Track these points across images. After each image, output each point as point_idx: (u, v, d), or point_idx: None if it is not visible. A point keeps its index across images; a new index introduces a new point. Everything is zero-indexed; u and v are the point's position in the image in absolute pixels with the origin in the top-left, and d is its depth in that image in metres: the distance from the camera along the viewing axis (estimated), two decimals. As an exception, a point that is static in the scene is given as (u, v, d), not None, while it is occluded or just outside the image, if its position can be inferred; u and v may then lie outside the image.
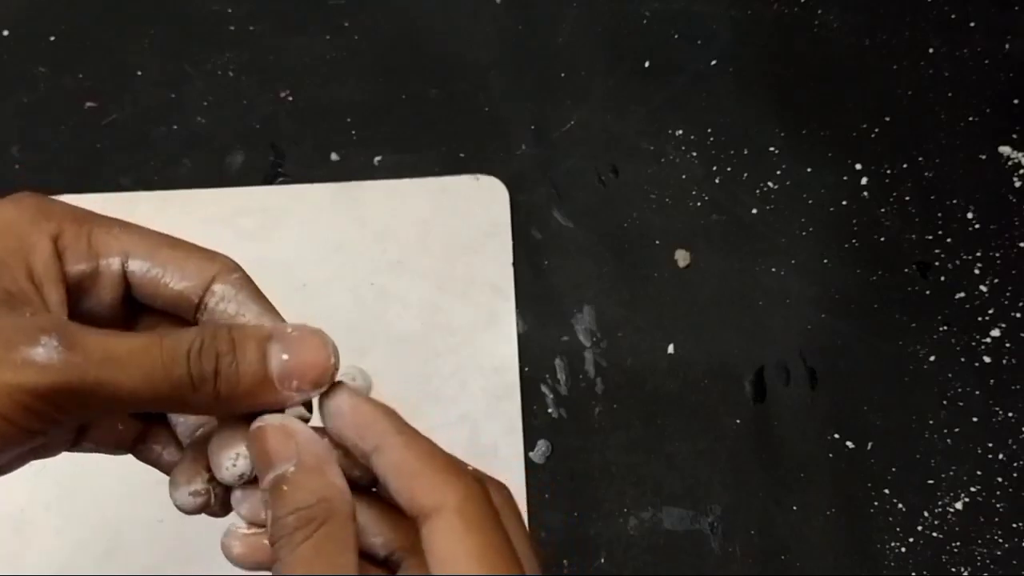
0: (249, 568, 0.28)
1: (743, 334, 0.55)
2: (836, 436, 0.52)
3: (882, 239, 0.57)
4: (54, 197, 0.57)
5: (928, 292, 0.56)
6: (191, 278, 0.28)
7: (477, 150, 0.59)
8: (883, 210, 0.57)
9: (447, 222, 0.56)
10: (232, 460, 0.28)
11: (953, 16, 0.63)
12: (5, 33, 0.62)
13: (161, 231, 0.30)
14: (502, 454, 0.51)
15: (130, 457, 0.32)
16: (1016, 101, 0.60)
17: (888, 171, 0.58)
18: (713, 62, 0.62)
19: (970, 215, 0.57)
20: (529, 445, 0.52)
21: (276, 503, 0.26)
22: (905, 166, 0.59)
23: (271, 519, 0.26)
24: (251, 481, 0.28)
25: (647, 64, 0.62)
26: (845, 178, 0.58)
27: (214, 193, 0.57)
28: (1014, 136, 0.59)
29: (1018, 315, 0.55)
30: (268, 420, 0.28)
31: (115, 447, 0.31)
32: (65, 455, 0.51)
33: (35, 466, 0.51)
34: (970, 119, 0.60)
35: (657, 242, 0.57)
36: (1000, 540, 0.50)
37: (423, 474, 0.26)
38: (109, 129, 0.59)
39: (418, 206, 0.57)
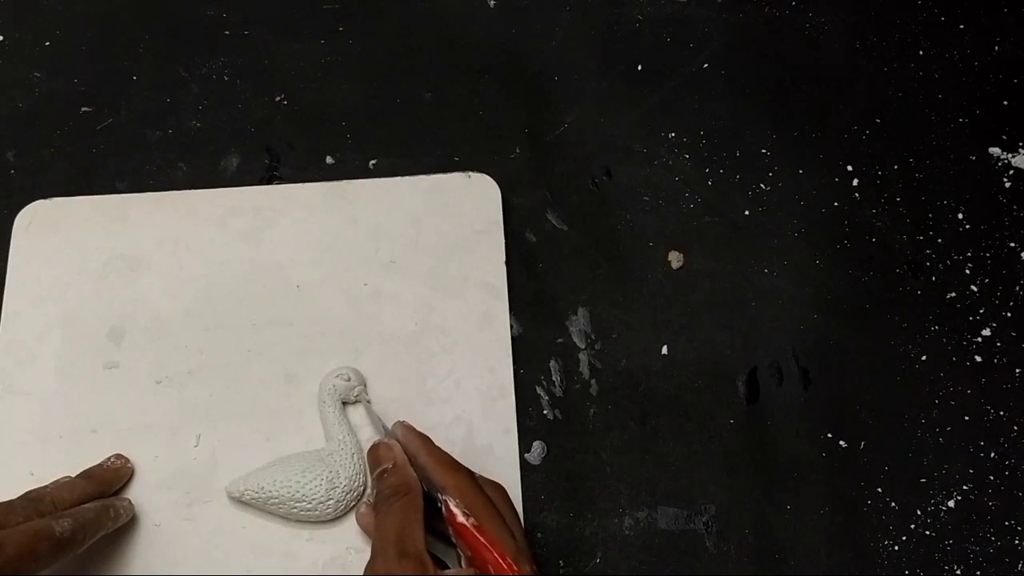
0: (364, 526, 0.49)
1: (736, 335, 0.55)
2: (829, 435, 0.53)
3: (873, 240, 0.57)
4: (51, 199, 0.57)
5: (919, 292, 0.56)
6: None
7: (471, 153, 0.59)
8: (874, 211, 0.58)
9: (440, 221, 0.56)
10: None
11: (943, 18, 0.63)
12: (0, 38, 0.63)
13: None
14: (498, 455, 0.51)
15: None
16: (1006, 102, 0.61)
17: (879, 172, 0.59)
18: (705, 65, 0.62)
19: (961, 215, 0.58)
20: (525, 446, 0.52)
21: (380, 484, 0.46)
22: (896, 167, 0.59)
23: (376, 494, 0.47)
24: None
25: (639, 67, 0.62)
26: (836, 179, 0.59)
27: (206, 194, 0.57)
28: (1004, 137, 0.60)
29: (1009, 314, 0.55)
30: (378, 440, 0.49)
31: None
32: (59, 462, 0.51)
33: (35, 472, 0.52)
34: (960, 120, 0.60)
35: (650, 244, 0.57)
36: (992, 538, 0.51)
37: (436, 470, 0.46)
38: (105, 133, 0.60)
39: (410, 205, 0.57)
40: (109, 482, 0.49)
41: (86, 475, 0.49)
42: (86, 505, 0.46)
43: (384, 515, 0.45)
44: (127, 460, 0.50)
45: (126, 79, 0.61)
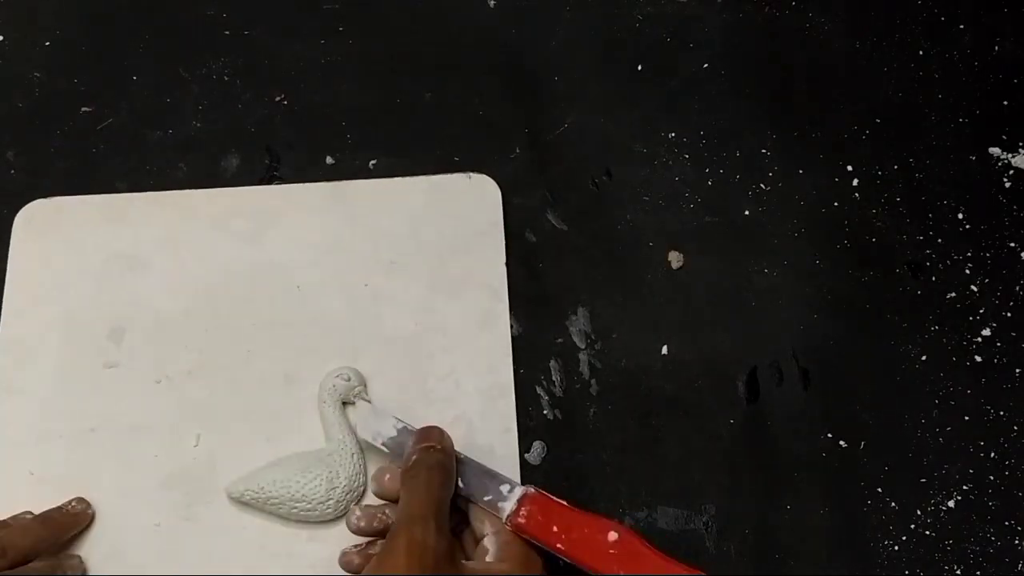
0: (365, 532, 0.47)
1: (736, 335, 0.55)
2: (829, 435, 0.53)
3: (873, 240, 0.57)
4: (51, 199, 0.57)
5: (919, 292, 0.56)
6: None
7: (471, 153, 0.59)
8: (874, 211, 0.58)
9: (440, 221, 0.56)
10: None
11: (943, 18, 0.63)
12: (0, 38, 0.63)
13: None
14: (498, 454, 0.51)
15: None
16: (1006, 102, 0.61)
17: (879, 172, 0.59)
18: (705, 65, 0.62)
19: (961, 215, 0.58)
20: (524, 446, 0.52)
21: (423, 454, 0.45)
22: (896, 167, 0.59)
23: (414, 461, 0.45)
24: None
25: (640, 67, 0.62)
26: (836, 179, 0.59)
27: (207, 194, 0.57)
28: (1004, 137, 0.60)
29: (1009, 314, 0.55)
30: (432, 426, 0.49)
31: None
32: (58, 462, 0.51)
33: (35, 472, 0.52)
34: (960, 120, 0.60)
35: (650, 244, 0.57)
36: (992, 538, 0.51)
37: (477, 518, 0.46)
38: (105, 133, 0.60)
39: (410, 205, 0.57)
40: (67, 528, 0.49)
41: (44, 518, 0.48)
42: (33, 564, 0.46)
43: (427, 484, 0.43)
44: (88, 505, 0.50)
45: (126, 79, 0.61)
